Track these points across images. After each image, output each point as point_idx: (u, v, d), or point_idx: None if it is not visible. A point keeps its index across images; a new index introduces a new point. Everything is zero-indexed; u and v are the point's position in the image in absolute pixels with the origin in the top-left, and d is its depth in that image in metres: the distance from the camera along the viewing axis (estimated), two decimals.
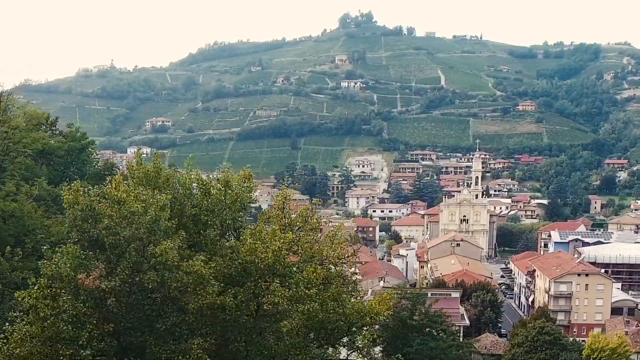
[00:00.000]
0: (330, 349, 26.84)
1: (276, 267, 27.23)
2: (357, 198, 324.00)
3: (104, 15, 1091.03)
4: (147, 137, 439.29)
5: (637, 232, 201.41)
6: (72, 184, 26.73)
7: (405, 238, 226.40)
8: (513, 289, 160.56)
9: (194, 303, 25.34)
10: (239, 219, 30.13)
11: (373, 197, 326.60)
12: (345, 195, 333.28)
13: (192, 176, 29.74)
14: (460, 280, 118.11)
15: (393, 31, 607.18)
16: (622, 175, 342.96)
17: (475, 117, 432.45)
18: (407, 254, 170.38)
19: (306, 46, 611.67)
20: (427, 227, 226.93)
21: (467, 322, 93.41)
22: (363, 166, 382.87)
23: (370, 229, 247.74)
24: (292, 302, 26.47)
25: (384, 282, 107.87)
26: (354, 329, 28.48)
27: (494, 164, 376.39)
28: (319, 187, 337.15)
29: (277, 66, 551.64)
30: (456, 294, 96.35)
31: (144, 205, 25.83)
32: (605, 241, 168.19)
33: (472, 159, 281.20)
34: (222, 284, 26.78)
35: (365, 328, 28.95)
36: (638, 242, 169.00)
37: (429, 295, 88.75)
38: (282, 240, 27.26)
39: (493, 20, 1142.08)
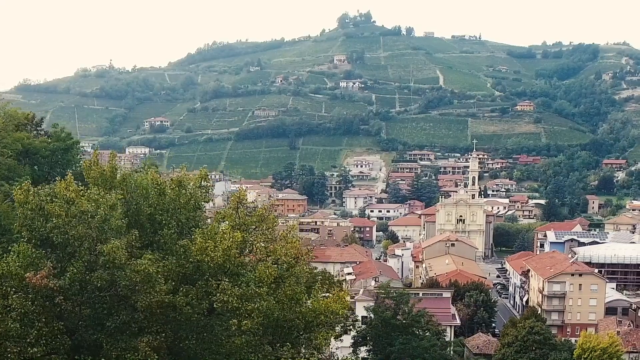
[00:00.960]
0: (288, 348, 26.88)
1: (226, 266, 27.44)
2: (355, 198, 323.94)
3: (103, 15, 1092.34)
4: (146, 137, 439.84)
5: (633, 232, 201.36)
6: (22, 183, 26.99)
7: (402, 238, 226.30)
8: (508, 289, 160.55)
9: (142, 301, 25.71)
10: (195, 218, 30.25)
11: (371, 197, 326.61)
12: (343, 196, 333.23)
13: (148, 176, 29.79)
14: (454, 280, 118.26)
15: (392, 31, 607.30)
16: (620, 176, 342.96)
17: (473, 117, 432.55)
18: (402, 254, 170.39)
19: (305, 46, 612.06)
20: (424, 227, 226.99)
21: (458, 321, 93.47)
22: (361, 166, 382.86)
23: (367, 229, 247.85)
24: (243, 300, 26.59)
25: (376, 282, 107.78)
26: (311, 327, 28.54)
27: (492, 164, 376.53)
28: (317, 187, 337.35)
29: (276, 66, 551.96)
30: (447, 294, 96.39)
31: (94, 204, 26.05)
32: (600, 241, 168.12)
33: (470, 159, 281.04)
34: (173, 283, 27.09)
35: (322, 327, 28.97)
36: (633, 242, 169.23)
37: (421, 295, 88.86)
38: (231, 240, 27.40)
39: (492, 20, 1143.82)
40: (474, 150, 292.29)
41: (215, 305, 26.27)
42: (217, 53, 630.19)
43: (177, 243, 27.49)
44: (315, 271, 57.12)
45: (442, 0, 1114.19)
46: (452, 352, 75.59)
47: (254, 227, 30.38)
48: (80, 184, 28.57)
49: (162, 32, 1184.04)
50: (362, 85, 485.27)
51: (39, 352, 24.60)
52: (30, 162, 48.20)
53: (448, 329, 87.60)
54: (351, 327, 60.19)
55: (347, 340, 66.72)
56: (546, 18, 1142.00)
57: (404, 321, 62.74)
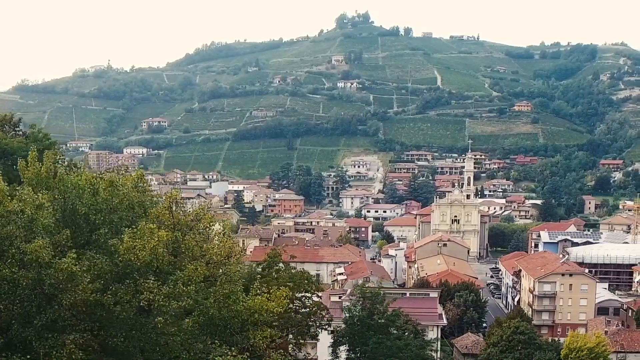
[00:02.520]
0: (216, 346, 27.05)
1: (154, 265, 27.69)
2: (352, 198, 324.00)
3: (101, 15, 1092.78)
4: (143, 138, 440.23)
5: (628, 232, 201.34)
6: None
7: (397, 238, 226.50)
8: (501, 289, 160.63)
9: (67, 300, 25.93)
10: (129, 218, 30.43)
11: (367, 197, 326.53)
12: (340, 196, 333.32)
13: (83, 177, 30.03)
14: (444, 280, 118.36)
15: (390, 31, 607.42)
16: (617, 176, 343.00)
17: (471, 118, 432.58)
18: (396, 254, 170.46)
19: (303, 46, 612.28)
20: (419, 228, 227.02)
21: (445, 321, 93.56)
22: (358, 166, 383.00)
23: (363, 229, 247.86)
24: (170, 299, 26.83)
25: (367, 281, 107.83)
26: (246, 326, 28.70)
27: (490, 164, 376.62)
28: (314, 188, 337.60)
29: (274, 66, 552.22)
30: (434, 294, 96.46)
31: (21, 204, 26.22)
32: (594, 241, 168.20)
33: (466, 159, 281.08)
34: (102, 281, 27.31)
35: (259, 326, 29.08)
36: (626, 242, 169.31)
37: (408, 294, 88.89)
38: (157, 239, 27.62)
39: (490, 20, 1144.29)
40: (470, 150, 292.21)
41: (142, 304, 26.54)
42: (216, 53, 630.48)
43: (106, 242, 27.76)
44: (293, 271, 57.56)
45: (441, 0, 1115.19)
46: (438, 353, 75.60)
47: (188, 227, 30.59)
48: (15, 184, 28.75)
49: (161, 32, 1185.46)
50: (360, 86, 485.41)
51: None
52: (6, 162, 48.24)
53: (434, 329, 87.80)
54: (326, 326, 60.31)
55: (330, 339, 67.10)
56: (544, 18, 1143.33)
57: (380, 321, 62.90)
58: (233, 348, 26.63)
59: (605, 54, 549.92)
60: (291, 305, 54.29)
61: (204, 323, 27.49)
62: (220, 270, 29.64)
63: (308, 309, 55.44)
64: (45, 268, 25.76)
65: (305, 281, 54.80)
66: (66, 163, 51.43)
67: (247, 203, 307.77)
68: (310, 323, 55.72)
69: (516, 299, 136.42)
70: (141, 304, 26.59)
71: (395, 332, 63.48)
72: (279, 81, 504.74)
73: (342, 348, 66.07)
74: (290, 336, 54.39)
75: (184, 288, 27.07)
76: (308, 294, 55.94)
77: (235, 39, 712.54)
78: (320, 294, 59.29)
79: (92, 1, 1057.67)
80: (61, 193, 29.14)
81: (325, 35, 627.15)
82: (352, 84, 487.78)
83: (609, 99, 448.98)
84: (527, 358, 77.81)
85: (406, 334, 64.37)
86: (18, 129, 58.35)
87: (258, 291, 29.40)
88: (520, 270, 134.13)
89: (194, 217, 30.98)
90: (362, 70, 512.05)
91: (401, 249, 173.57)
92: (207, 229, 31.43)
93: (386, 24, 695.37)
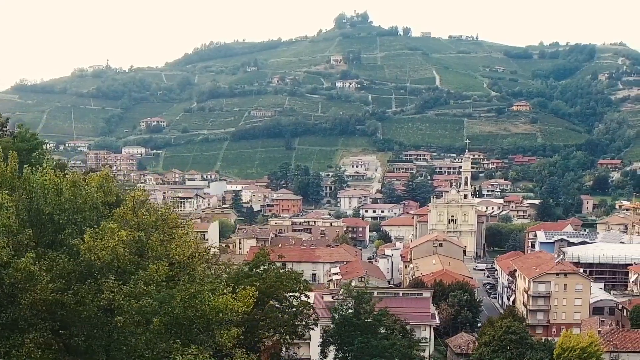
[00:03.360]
0: (178, 345, 27.12)
1: (114, 265, 27.77)
2: (350, 198, 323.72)
3: (100, 15, 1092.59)
4: (142, 137, 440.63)
5: (625, 232, 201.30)
6: None
7: (394, 238, 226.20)
8: (497, 289, 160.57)
9: (26, 299, 26.01)
10: (93, 218, 30.44)
11: (365, 197, 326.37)
12: (338, 196, 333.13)
13: (46, 176, 30.07)
14: (439, 280, 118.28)
15: (388, 31, 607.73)
16: (615, 176, 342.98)
17: (469, 118, 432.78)
18: (392, 254, 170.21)
19: (302, 46, 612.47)
20: (416, 227, 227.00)
21: (437, 321, 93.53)
22: (357, 166, 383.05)
23: (360, 229, 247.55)
24: (130, 298, 26.91)
25: (361, 281, 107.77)
26: (211, 326, 28.72)
27: (488, 164, 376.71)
28: (312, 188, 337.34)
29: (273, 66, 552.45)
30: (427, 294, 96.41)
31: None
32: (590, 241, 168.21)
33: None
34: (64, 281, 27.33)
35: (224, 325, 29.09)
36: (622, 242, 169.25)
37: (401, 294, 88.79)
38: (117, 239, 27.69)
39: (489, 20, 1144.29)
40: (467, 150, 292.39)
41: (101, 303, 26.64)
42: (214, 53, 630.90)
43: (69, 242, 27.84)
44: (282, 271, 57.52)
45: (440, 0, 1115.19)
46: (430, 352, 75.57)
47: (152, 226, 30.60)
48: None
49: (160, 32, 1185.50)
50: (359, 86, 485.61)
51: None
52: None
53: (427, 329, 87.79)
54: (313, 326, 60.31)
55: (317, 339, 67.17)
56: (543, 18, 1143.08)
57: (367, 320, 62.87)
58: (193, 347, 26.68)
59: (603, 53, 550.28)
60: (278, 305, 54.47)
61: (170, 323, 27.56)
62: (184, 270, 29.63)
63: (294, 309, 55.45)
64: (4, 268, 25.70)
65: (293, 281, 54.92)
66: (54, 163, 51.39)
67: (245, 203, 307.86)
68: (296, 323, 55.73)
69: (511, 299, 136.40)
70: (101, 303, 26.67)
71: (383, 331, 63.45)
72: (277, 81, 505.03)
73: (331, 347, 66.13)
74: (277, 336, 54.46)
75: (145, 288, 27.11)
76: (296, 294, 55.98)
77: (233, 39, 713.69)
78: (308, 294, 59.20)
79: (90, 1, 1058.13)
80: (27, 193, 29.19)
81: (323, 35, 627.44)
82: (350, 84, 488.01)
83: (607, 98, 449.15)
84: (519, 358, 77.79)
85: (394, 333, 64.31)
86: (6, 128, 58.33)
87: (225, 291, 29.39)
88: (515, 270, 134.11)
89: (158, 217, 30.94)
90: (360, 70, 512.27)
91: (397, 249, 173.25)
92: (173, 229, 31.45)
93: (385, 24, 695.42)
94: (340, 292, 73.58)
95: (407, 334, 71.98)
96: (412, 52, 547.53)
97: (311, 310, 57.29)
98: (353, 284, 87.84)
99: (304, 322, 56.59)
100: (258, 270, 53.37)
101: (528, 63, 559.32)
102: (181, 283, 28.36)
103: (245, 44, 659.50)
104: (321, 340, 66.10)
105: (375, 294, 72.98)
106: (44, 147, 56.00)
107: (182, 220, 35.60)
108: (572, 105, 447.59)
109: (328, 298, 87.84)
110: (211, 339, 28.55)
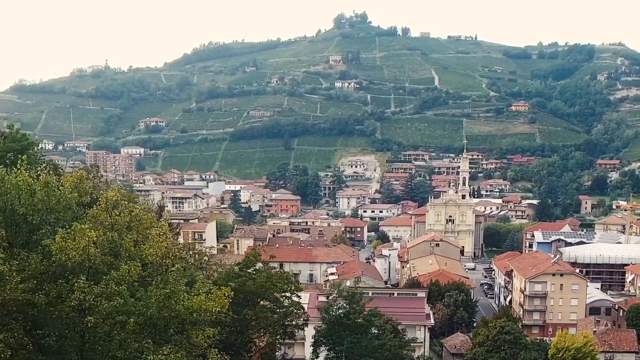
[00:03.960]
0: (150, 344, 27.11)
1: (85, 265, 27.79)
2: (348, 198, 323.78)
3: (99, 15, 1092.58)
4: (141, 138, 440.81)
5: (623, 232, 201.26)
6: None
7: (392, 238, 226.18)
8: (494, 289, 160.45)
9: None
10: (67, 219, 30.43)
11: (364, 197, 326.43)
12: (336, 196, 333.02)
13: (20, 177, 30.04)
14: (435, 280, 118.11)
15: (387, 31, 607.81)
16: (614, 176, 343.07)
17: (468, 118, 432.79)
18: (390, 254, 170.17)
19: (301, 46, 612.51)
20: (414, 228, 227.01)
21: (432, 321, 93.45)
22: (356, 166, 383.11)
23: (359, 229, 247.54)
24: (101, 298, 26.94)
25: (355, 282, 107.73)
26: (185, 326, 28.71)
27: (487, 164, 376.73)
28: (311, 188, 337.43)
29: (272, 66, 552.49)
30: (422, 294, 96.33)
31: None
32: (587, 241, 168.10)
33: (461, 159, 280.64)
34: (35, 281, 27.36)
35: (198, 325, 29.09)
36: (620, 242, 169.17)
37: (396, 294, 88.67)
38: (87, 239, 27.71)
39: (488, 21, 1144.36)
40: (466, 150, 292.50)
41: (72, 303, 26.65)
42: (213, 53, 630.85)
43: (41, 242, 27.86)
44: (273, 271, 57.55)
45: (439, 0, 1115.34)
46: (424, 352, 75.55)
47: (126, 227, 30.59)
48: None
49: (158, 32, 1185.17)
50: (358, 86, 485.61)
51: None
52: None
53: (422, 329, 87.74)
54: (304, 326, 60.34)
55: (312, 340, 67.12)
56: (542, 18, 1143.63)
57: (357, 320, 62.86)
58: (166, 347, 26.67)
59: (602, 54, 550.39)
60: (269, 305, 54.47)
61: (144, 323, 27.58)
62: (157, 270, 29.60)
63: (285, 309, 55.46)
64: None
65: (284, 281, 54.92)
66: (45, 164, 51.35)
67: (243, 203, 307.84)
68: (287, 323, 55.76)
69: (508, 299, 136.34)
70: (72, 303, 26.68)
71: (375, 331, 63.46)
72: (276, 81, 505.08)
73: (323, 347, 66.16)
74: (267, 336, 54.47)
75: (116, 288, 27.12)
76: (287, 294, 55.97)
77: (232, 39, 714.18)
78: (300, 294, 59.21)
79: (89, 1, 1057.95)
80: (1, 194, 29.17)
81: (322, 35, 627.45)
82: (349, 84, 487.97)
83: (606, 99, 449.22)
84: (513, 358, 77.76)
85: (385, 333, 64.30)
86: None
87: (200, 291, 29.37)
88: (512, 270, 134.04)
89: (132, 217, 30.94)
90: (359, 70, 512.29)
91: (395, 249, 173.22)
92: (148, 230, 31.45)
93: (384, 24, 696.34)
94: (334, 292, 73.52)
95: (399, 334, 71.96)
96: (411, 52, 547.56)
97: (301, 311, 57.30)
98: (348, 284, 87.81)
99: (294, 322, 56.61)
100: (249, 271, 53.42)
101: (527, 63, 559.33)
102: (154, 283, 28.38)
103: (245, 44, 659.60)
104: (312, 340, 66.14)
105: (370, 294, 72.90)
106: (36, 147, 55.97)
107: (159, 222, 35.52)
108: (571, 105, 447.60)
109: (323, 298, 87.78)
110: (186, 339, 28.56)
